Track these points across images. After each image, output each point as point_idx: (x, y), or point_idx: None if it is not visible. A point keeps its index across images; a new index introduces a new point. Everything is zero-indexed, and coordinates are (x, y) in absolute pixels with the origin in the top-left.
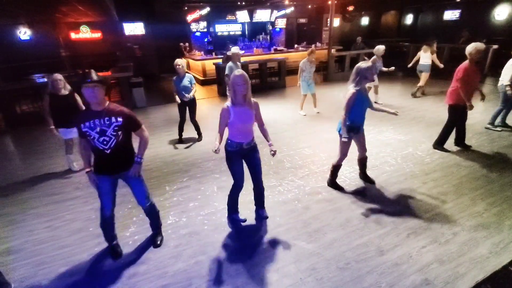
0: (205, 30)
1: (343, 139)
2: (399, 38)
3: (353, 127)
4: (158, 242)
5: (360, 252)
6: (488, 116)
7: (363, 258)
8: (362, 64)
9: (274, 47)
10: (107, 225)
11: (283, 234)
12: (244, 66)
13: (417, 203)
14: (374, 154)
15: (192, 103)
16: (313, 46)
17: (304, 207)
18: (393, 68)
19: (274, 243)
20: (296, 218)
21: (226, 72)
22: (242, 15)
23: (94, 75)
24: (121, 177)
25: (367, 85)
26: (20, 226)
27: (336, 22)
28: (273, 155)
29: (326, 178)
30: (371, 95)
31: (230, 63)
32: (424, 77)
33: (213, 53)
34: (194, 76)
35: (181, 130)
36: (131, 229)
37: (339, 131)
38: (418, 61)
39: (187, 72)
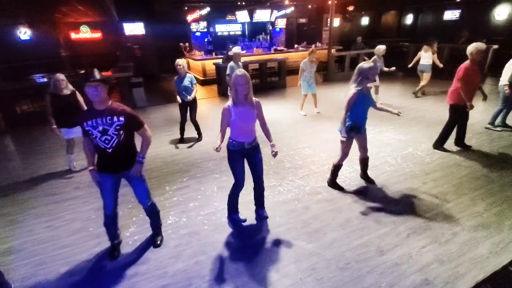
0: (205, 30)
1: (341, 138)
2: (399, 38)
3: (354, 127)
4: (158, 242)
5: (360, 252)
6: (488, 116)
7: (363, 258)
8: (364, 64)
9: (274, 47)
10: (109, 223)
11: (283, 234)
12: (244, 66)
13: (417, 203)
14: (374, 154)
15: (193, 103)
16: (313, 46)
17: (304, 207)
18: (393, 68)
19: (274, 243)
20: (296, 218)
21: (228, 72)
22: (242, 15)
23: (97, 74)
24: (124, 176)
25: (368, 85)
26: (20, 226)
27: (336, 22)
28: (274, 156)
29: (326, 178)
30: (371, 95)
31: (231, 63)
32: (426, 77)
33: (213, 53)
34: (194, 76)
35: (182, 129)
36: (131, 229)
37: (340, 131)
38: (418, 61)
39: (187, 72)
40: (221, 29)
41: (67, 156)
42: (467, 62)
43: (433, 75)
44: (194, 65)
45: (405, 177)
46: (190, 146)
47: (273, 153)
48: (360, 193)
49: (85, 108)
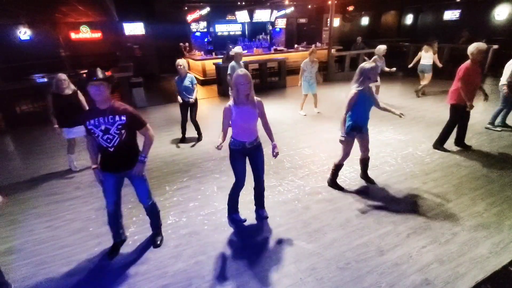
0: (205, 30)
1: (340, 138)
2: (399, 38)
3: (355, 127)
4: (158, 242)
5: (360, 252)
6: (488, 116)
7: (363, 258)
8: (366, 65)
9: (274, 47)
10: (112, 221)
11: (283, 234)
12: (244, 66)
13: (417, 203)
14: (374, 154)
15: (193, 103)
16: (313, 46)
17: (304, 207)
18: (394, 69)
19: (274, 243)
20: (296, 218)
21: (229, 71)
22: (242, 15)
23: (99, 73)
24: (126, 176)
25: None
26: (21, 226)
27: (336, 22)
28: (275, 156)
29: (326, 178)
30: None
31: (232, 63)
32: (428, 77)
33: (213, 53)
34: (194, 76)
35: (184, 129)
36: (131, 229)
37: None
38: (418, 61)
39: (188, 73)
40: (221, 29)
41: (68, 156)
42: (467, 62)
43: (433, 75)
44: (194, 65)
45: (405, 177)
46: (190, 146)
47: (274, 153)
48: (360, 193)
49: (87, 108)
